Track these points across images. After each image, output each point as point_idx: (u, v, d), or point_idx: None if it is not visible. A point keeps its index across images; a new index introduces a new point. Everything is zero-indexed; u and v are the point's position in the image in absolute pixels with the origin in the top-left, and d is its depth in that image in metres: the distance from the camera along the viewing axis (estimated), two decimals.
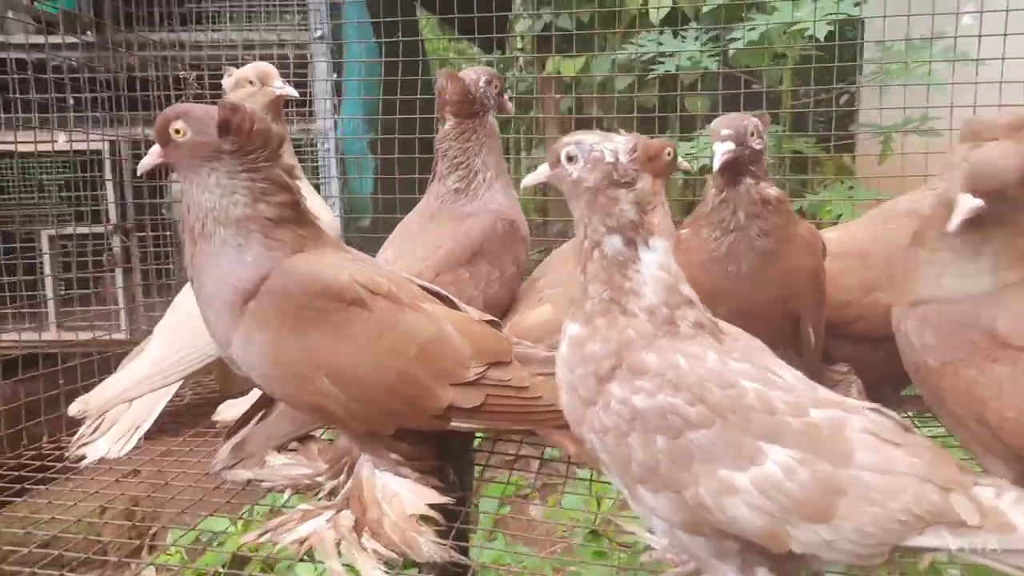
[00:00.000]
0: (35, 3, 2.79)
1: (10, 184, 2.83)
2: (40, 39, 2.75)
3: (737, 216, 1.41)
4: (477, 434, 1.66)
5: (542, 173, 1.06)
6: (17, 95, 2.65)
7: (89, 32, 2.83)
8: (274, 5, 3.10)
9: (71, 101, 2.80)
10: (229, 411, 1.85)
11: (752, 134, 1.39)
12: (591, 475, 1.82)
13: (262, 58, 2.92)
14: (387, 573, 1.21)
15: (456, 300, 1.39)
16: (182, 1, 3.08)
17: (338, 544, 1.25)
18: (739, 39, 3.05)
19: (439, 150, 1.79)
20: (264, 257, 1.22)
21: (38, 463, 1.90)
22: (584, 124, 4.08)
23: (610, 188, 0.99)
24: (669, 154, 1.81)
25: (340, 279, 1.24)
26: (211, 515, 1.94)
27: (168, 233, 2.96)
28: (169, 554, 2.29)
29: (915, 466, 0.96)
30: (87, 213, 2.86)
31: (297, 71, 2.93)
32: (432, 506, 1.28)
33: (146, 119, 2.86)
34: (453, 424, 1.28)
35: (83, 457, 1.76)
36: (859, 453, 0.95)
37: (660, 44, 3.33)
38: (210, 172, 1.21)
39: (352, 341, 1.22)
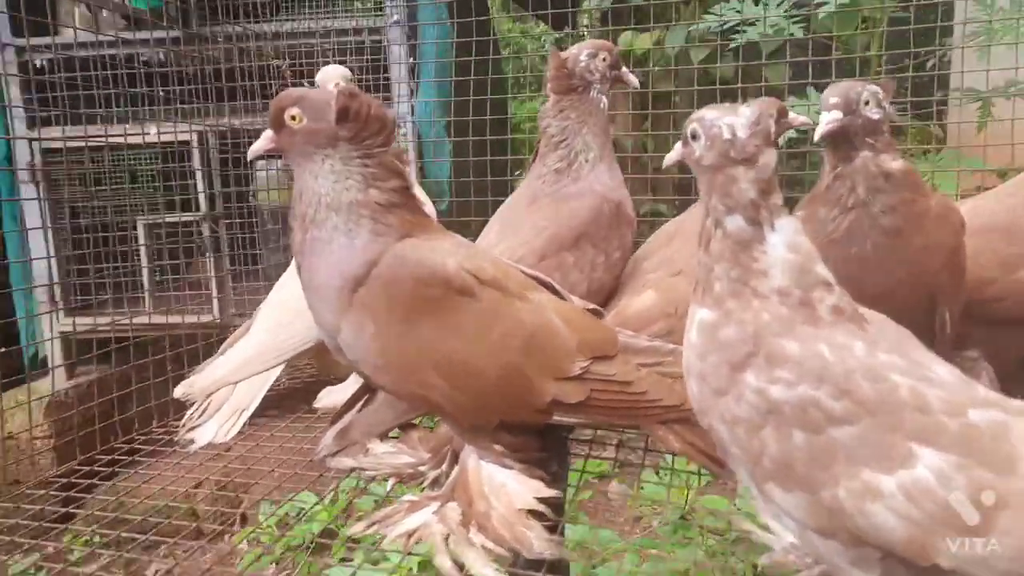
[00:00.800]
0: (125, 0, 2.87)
1: (105, 175, 2.94)
2: (129, 35, 2.84)
3: (856, 192, 1.29)
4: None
5: (677, 151, 1.01)
6: (110, 89, 2.75)
7: (175, 27, 2.91)
8: None
9: (160, 94, 2.88)
10: (330, 397, 1.88)
11: (867, 102, 1.28)
12: (673, 460, 1.78)
13: (339, 45, 2.96)
14: (498, 571, 1.18)
15: (560, 288, 1.35)
16: None
17: (447, 539, 1.23)
18: (827, 2, 2.92)
19: (540, 128, 1.73)
20: (374, 243, 1.20)
21: (150, 447, 2.00)
22: (659, 99, 3.98)
23: (728, 166, 0.94)
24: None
25: (448, 266, 1.21)
26: (298, 492, 2.00)
27: (254, 220, 3.04)
28: (261, 529, 2.38)
29: None
30: (177, 202, 2.96)
31: (374, 56, 2.95)
32: (540, 500, 1.25)
33: (232, 109, 2.93)
34: (555, 418, 1.25)
35: (192, 441, 1.81)
36: None
37: (740, 12, 3.21)
38: (324, 159, 1.20)
39: (460, 332, 1.19)
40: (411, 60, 2.95)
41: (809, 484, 0.89)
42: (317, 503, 2.27)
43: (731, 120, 0.94)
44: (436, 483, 1.41)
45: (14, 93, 2.82)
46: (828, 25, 3.34)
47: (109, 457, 2.05)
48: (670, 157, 1.03)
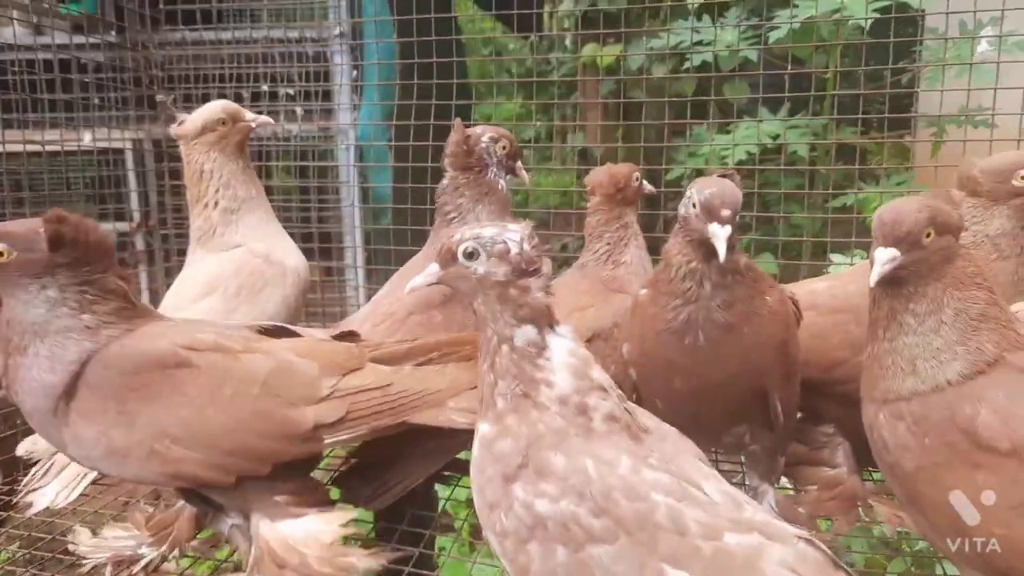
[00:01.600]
0: (60, 3, 2.81)
1: (40, 182, 2.89)
2: (65, 39, 2.79)
3: (704, 287, 1.26)
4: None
5: (433, 273, 1.02)
6: (44, 95, 2.69)
7: (112, 32, 2.86)
8: (295, 3, 3.07)
9: (96, 100, 2.83)
10: (35, 444, 1.72)
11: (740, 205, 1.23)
12: None
13: (281, 55, 2.91)
14: None
15: (297, 329, 1.41)
16: None
17: None
18: (779, 27, 2.87)
19: (437, 203, 1.78)
20: (78, 358, 1.21)
21: None
22: (625, 109, 3.93)
23: (521, 278, 0.96)
24: (636, 179, 1.75)
25: (158, 347, 1.24)
26: None
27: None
28: None
29: None
30: (111, 212, 2.90)
31: (317, 66, 2.91)
32: (347, 524, 1.28)
33: (168, 118, 2.87)
34: (328, 440, 1.27)
35: (31, 504, 1.64)
36: None
37: (696, 32, 3.17)
38: (40, 288, 1.20)
39: (190, 401, 1.22)
40: (355, 72, 2.91)
41: None
42: None
43: (511, 234, 0.97)
44: (150, 567, 1.42)
45: None
46: (786, 47, 3.31)
47: None
48: (422, 280, 1.03)
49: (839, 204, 3.02)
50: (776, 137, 3.11)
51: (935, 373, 1.06)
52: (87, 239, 1.22)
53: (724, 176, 1.29)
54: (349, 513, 1.30)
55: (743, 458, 1.49)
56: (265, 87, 2.87)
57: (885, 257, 1.05)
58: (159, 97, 2.85)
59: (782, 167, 3.07)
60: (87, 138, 2.76)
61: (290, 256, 1.92)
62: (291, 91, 2.88)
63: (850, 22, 2.81)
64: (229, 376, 1.24)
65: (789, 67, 2.97)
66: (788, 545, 0.90)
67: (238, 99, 2.85)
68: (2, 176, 2.70)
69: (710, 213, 1.19)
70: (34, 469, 1.73)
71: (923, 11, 2.71)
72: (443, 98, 2.65)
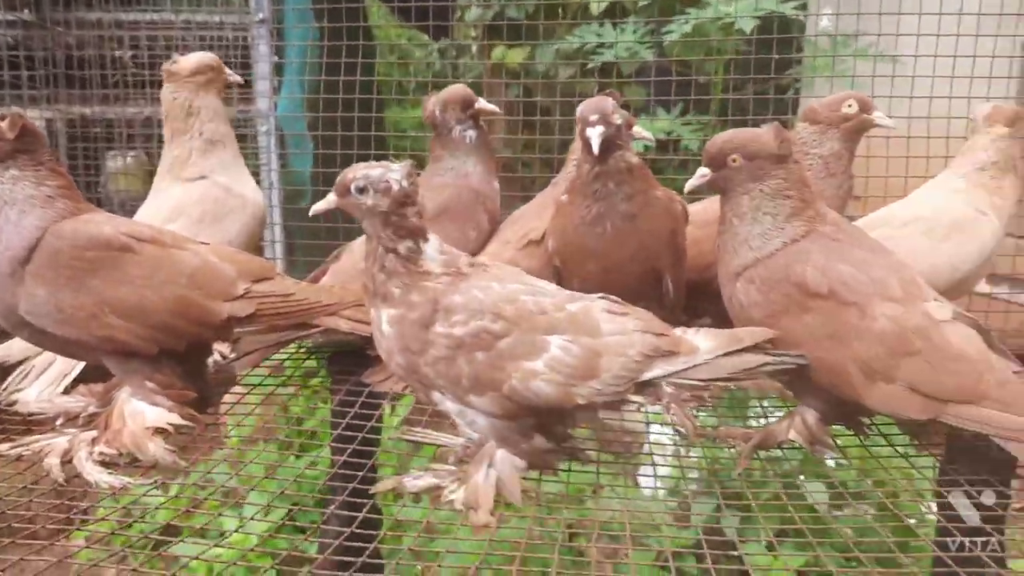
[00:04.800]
0: None
1: None
2: None
3: (608, 186, 1.57)
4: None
5: (331, 201, 1.32)
6: None
7: (27, 10, 2.84)
8: None
9: (7, 78, 2.80)
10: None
11: (613, 112, 1.55)
12: None
13: (202, 40, 2.96)
14: (111, 474, 1.44)
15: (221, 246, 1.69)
16: None
17: (65, 453, 1.48)
18: (672, 32, 3.16)
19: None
20: (37, 225, 1.45)
21: None
22: (530, 111, 4.16)
23: (400, 208, 1.28)
24: None
25: (104, 231, 1.49)
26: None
27: (106, 208, 2.97)
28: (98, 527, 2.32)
29: (638, 324, 1.31)
30: None
31: (237, 52, 2.97)
32: (174, 424, 1.52)
33: (83, 97, 2.87)
34: (237, 330, 1.59)
35: (15, 403, 1.80)
36: (604, 325, 1.30)
37: (599, 36, 3.43)
38: (5, 168, 1.46)
39: (129, 280, 1.48)
40: (275, 58, 2.98)
41: (494, 384, 1.27)
42: (158, 496, 2.24)
43: (393, 174, 1.28)
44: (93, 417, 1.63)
45: None
46: (682, 52, 3.62)
47: None
48: (322, 206, 1.34)
49: None
50: (670, 133, 3.41)
51: (763, 244, 1.43)
52: (35, 131, 1.49)
53: (603, 94, 1.64)
54: (183, 420, 1.54)
55: None
56: None
57: (698, 173, 1.46)
58: (118, 53, 2.86)
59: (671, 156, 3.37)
60: None
61: (250, 190, 2.12)
62: None
63: (736, 31, 3.12)
64: (163, 265, 1.51)
65: (680, 71, 3.26)
66: (599, 301, 1.34)
67: (152, 83, 2.89)
68: None
69: (584, 121, 1.55)
70: (13, 374, 1.86)
71: (796, 14, 3.02)
72: (351, 103, 2.76)
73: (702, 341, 1.32)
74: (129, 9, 3.04)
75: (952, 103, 2.44)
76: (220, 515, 1.87)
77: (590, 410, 1.33)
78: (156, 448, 1.48)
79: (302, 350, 2.10)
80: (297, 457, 2.22)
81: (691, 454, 2.10)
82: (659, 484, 2.58)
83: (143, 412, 1.52)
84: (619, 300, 1.37)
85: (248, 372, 1.93)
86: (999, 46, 2.48)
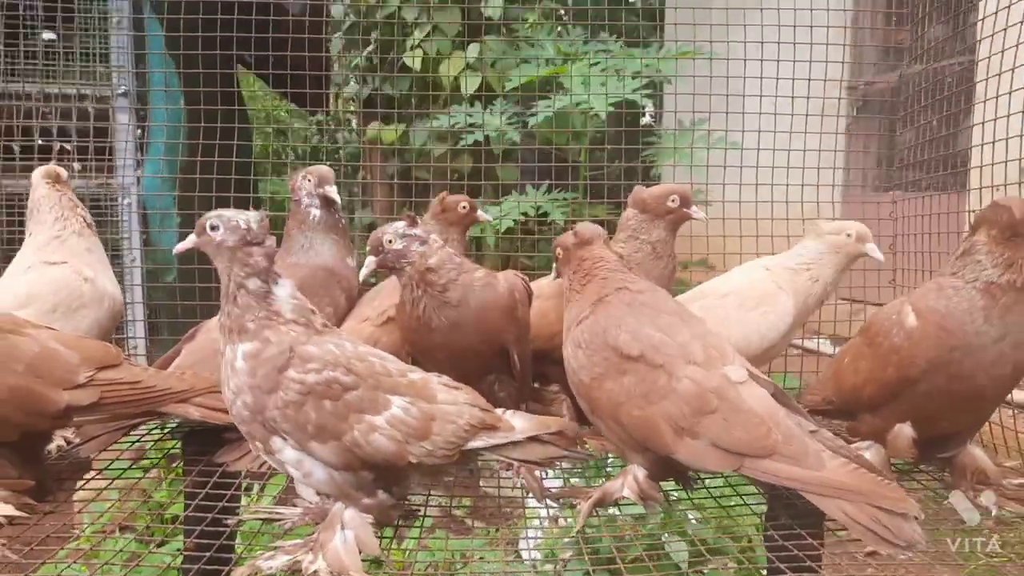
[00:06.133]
0: None
1: None
2: None
3: (417, 290, 1.70)
4: None
5: (191, 240, 1.41)
6: None
7: None
8: (74, 62, 3.05)
9: None
10: None
11: (389, 240, 1.67)
12: None
13: (62, 112, 2.88)
14: None
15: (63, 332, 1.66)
16: None
17: None
18: (535, 115, 3.37)
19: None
20: None
21: None
22: (406, 188, 4.24)
23: (246, 247, 1.35)
24: (464, 208, 2.10)
25: None
26: None
27: None
28: None
29: (468, 398, 1.47)
30: None
31: (98, 124, 2.90)
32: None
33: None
34: (76, 419, 1.55)
35: None
36: (440, 395, 1.44)
37: (469, 116, 3.59)
38: None
39: None
40: (138, 132, 2.94)
41: (336, 434, 1.35)
42: None
43: (243, 216, 1.37)
44: None
45: None
46: (548, 135, 3.84)
47: None
48: (183, 245, 1.43)
49: None
50: (538, 208, 3.59)
51: (576, 310, 1.62)
52: None
53: (402, 217, 1.75)
54: (16, 510, 1.48)
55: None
56: (40, 141, 2.81)
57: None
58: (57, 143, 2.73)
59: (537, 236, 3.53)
60: None
61: (109, 283, 2.06)
62: (68, 145, 2.85)
63: (595, 118, 3.36)
64: None
65: (546, 152, 3.46)
66: (436, 376, 1.48)
67: (7, 151, 2.78)
68: None
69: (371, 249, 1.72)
70: None
71: (645, 108, 3.30)
72: (225, 172, 2.74)
73: (518, 422, 1.50)
74: None
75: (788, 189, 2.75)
76: None
77: (419, 470, 1.44)
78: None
79: (166, 431, 2.03)
80: (159, 545, 2.11)
81: (567, 520, 2.15)
82: (534, 552, 2.62)
83: None
84: (451, 380, 1.51)
85: (107, 459, 1.84)
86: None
